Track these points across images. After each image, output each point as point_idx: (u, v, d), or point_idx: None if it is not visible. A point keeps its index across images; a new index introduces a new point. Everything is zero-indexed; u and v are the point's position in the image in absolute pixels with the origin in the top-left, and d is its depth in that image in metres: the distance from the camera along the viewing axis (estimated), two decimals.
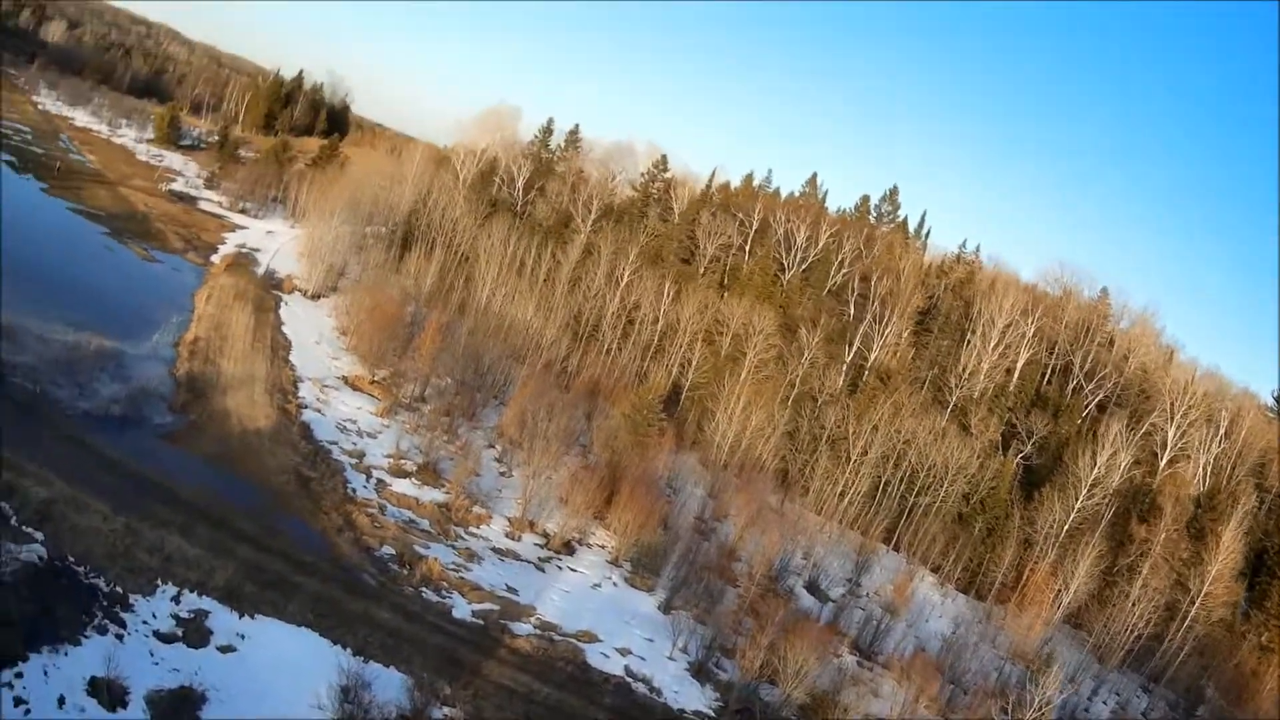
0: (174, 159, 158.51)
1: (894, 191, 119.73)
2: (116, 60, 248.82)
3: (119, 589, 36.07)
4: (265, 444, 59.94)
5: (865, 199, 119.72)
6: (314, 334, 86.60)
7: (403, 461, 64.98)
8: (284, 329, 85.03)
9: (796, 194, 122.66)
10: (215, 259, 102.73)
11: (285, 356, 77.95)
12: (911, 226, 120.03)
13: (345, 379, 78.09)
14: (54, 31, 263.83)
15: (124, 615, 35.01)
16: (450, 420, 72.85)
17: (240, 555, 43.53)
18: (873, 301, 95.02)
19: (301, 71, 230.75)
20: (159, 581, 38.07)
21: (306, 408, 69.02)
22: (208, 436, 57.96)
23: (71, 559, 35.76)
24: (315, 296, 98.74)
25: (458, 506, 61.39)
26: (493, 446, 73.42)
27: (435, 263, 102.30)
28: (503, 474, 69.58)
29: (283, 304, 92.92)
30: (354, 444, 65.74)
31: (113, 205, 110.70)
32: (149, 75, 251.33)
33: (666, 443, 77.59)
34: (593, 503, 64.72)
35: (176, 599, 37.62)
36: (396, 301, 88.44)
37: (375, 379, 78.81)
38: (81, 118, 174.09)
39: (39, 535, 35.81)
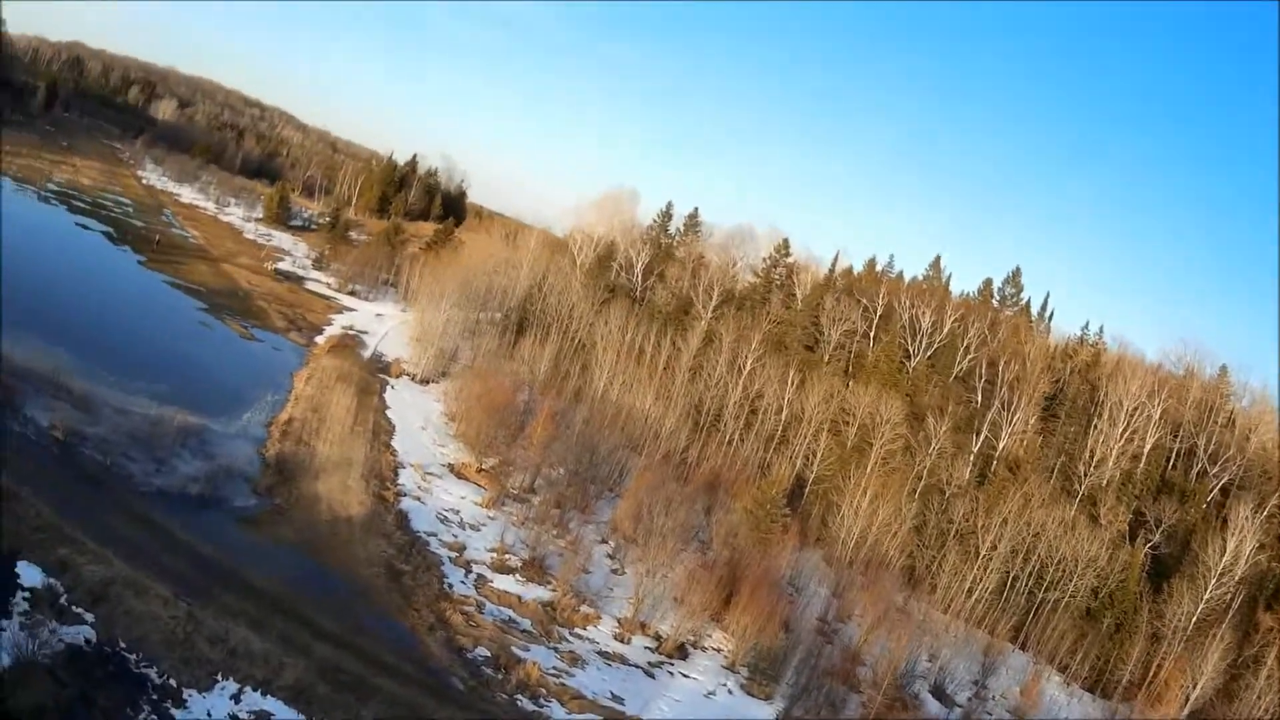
0: (283, 238, 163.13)
1: (1016, 273, 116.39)
2: (228, 140, 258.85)
3: (172, 681, 33.59)
4: (356, 533, 57.30)
5: (988, 282, 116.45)
6: (420, 419, 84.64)
7: (507, 556, 61.72)
8: (388, 413, 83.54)
9: (920, 278, 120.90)
10: (319, 339, 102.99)
11: (387, 441, 75.93)
12: (1034, 307, 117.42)
13: (450, 466, 75.59)
14: (164, 109, 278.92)
15: (174, 711, 32.47)
16: (561, 513, 69.93)
17: (315, 652, 40.50)
18: (1000, 388, 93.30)
19: (415, 156, 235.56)
20: (219, 676, 35.33)
21: (405, 495, 66.49)
22: (292, 522, 55.60)
23: (123, 645, 33.74)
24: (424, 381, 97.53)
25: (564, 605, 57.91)
26: (605, 541, 70.19)
27: (550, 349, 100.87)
28: (614, 571, 66.38)
29: (389, 388, 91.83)
30: (454, 536, 62.83)
31: (214, 281, 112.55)
32: (261, 157, 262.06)
33: (790, 539, 74.77)
34: (710, 603, 61.41)
35: (237, 697, 34.80)
36: (508, 388, 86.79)
37: (482, 467, 76.14)
38: (188, 194, 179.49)
39: (89, 617, 33.86)
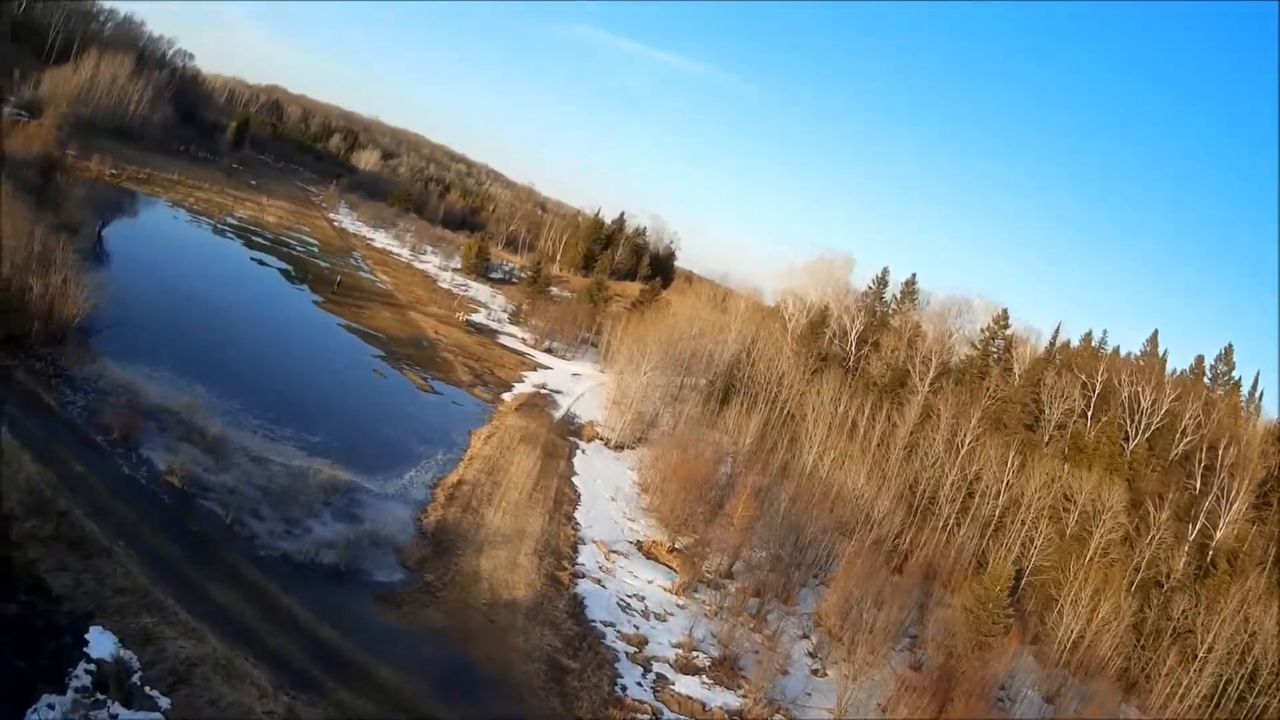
0: (480, 290, 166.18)
1: (1229, 351, 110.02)
2: (431, 192, 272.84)
3: None
4: (518, 620, 51.33)
5: (1200, 359, 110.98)
6: (609, 489, 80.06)
7: (694, 654, 55.59)
8: (574, 480, 79.25)
9: (1135, 354, 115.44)
10: (507, 397, 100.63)
11: (570, 512, 70.98)
12: (1244, 387, 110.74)
13: (639, 544, 70.43)
14: (365, 159, 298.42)
15: None
16: (761, 602, 64.40)
17: None
18: (1219, 473, 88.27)
19: (623, 214, 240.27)
20: None
21: (584, 577, 60.75)
22: (442, 604, 49.83)
23: None
24: (619, 447, 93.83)
25: (755, 716, 51.52)
26: (806, 637, 64.21)
27: (757, 419, 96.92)
28: (815, 672, 60.27)
29: (579, 452, 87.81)
30: (635, 627, 56.75)
31: (397, 328, 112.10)
32: (465, 210, 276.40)
33: (1011, 643, 70.06)
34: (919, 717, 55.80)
35: None
36: (709, 458, 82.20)
37: (675, 547, 70.87)
38: (381, 240, 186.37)
39: (164, 702, 28.98)
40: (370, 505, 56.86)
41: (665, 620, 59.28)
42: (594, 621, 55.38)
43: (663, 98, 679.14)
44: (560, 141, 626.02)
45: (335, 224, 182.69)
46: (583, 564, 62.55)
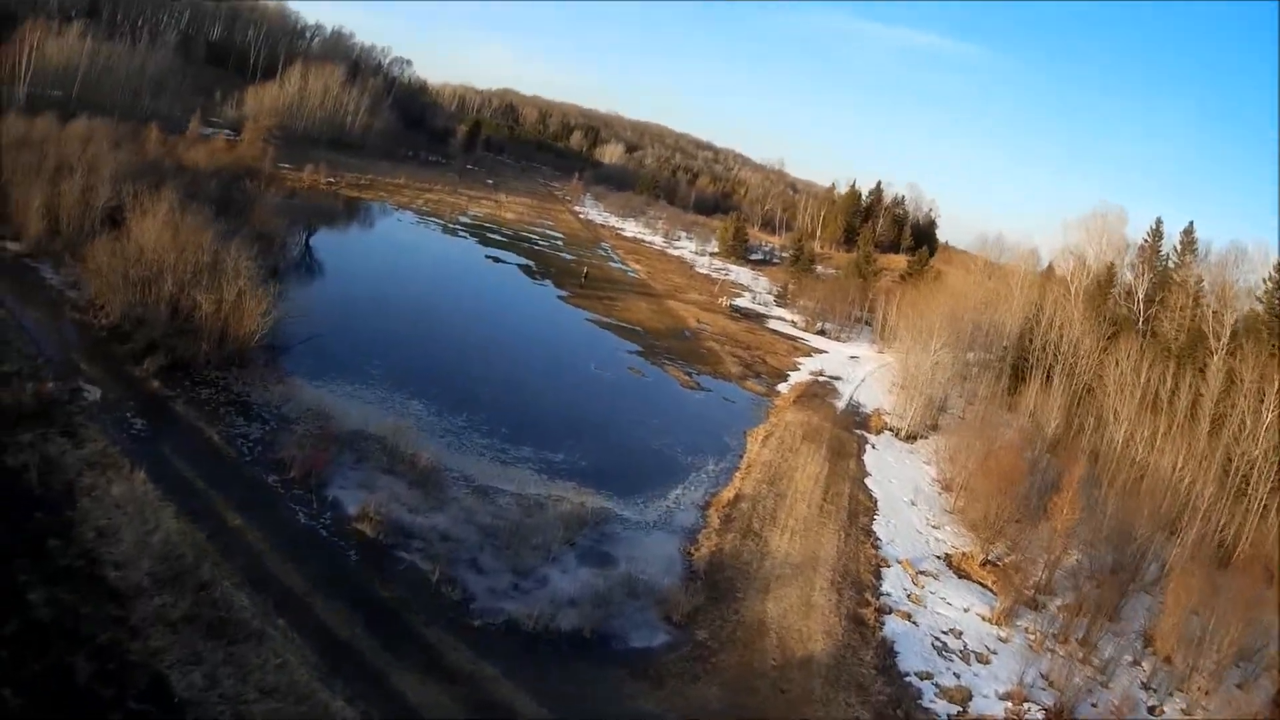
0: (741, 273, 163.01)
1: None
2: (679, 180, 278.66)
3: None
4: (815, 687, 39.06)
5: None
6: (907, 490, 68.46)
7: (1025, 706, 42.60)
8: (867, 482, 67.81)
9: None
10: (783, 388, 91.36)
11: (867, 526, 59.11)
12: None
13: (948, 559, 58.10)
14: (609, 153, 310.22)
15: None
16: (1091, 624, 51.26)
17: None
18: None
19: (880, 183, 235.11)
20: None
21: (891, 612, 48.34)
22: (718, 673, 37.84)
23: None
24: (910, 438, 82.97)
25: None
26: (1138, 663, 50.93)
27: (1060, 397, 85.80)
28: (1151, 710, 46.87)
29: (868, 447, 76.86)
30: (956, 676, 44.09)
31: (654, 320, 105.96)
32: (716, 195, 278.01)
33: None
34: None
35: None
36: (1015, 447, 69.45)
37: (988, 559, 58.50)
38: (631, 229, 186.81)
39: None
40: (626, 539, 46.42)
41: (988, 662, 46.48)
42: (908, 676, 42.87)
43: (902, 73, 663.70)
44: (801, 123, 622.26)
45: (581, 216, 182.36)
46: (888, 594, 50.31)
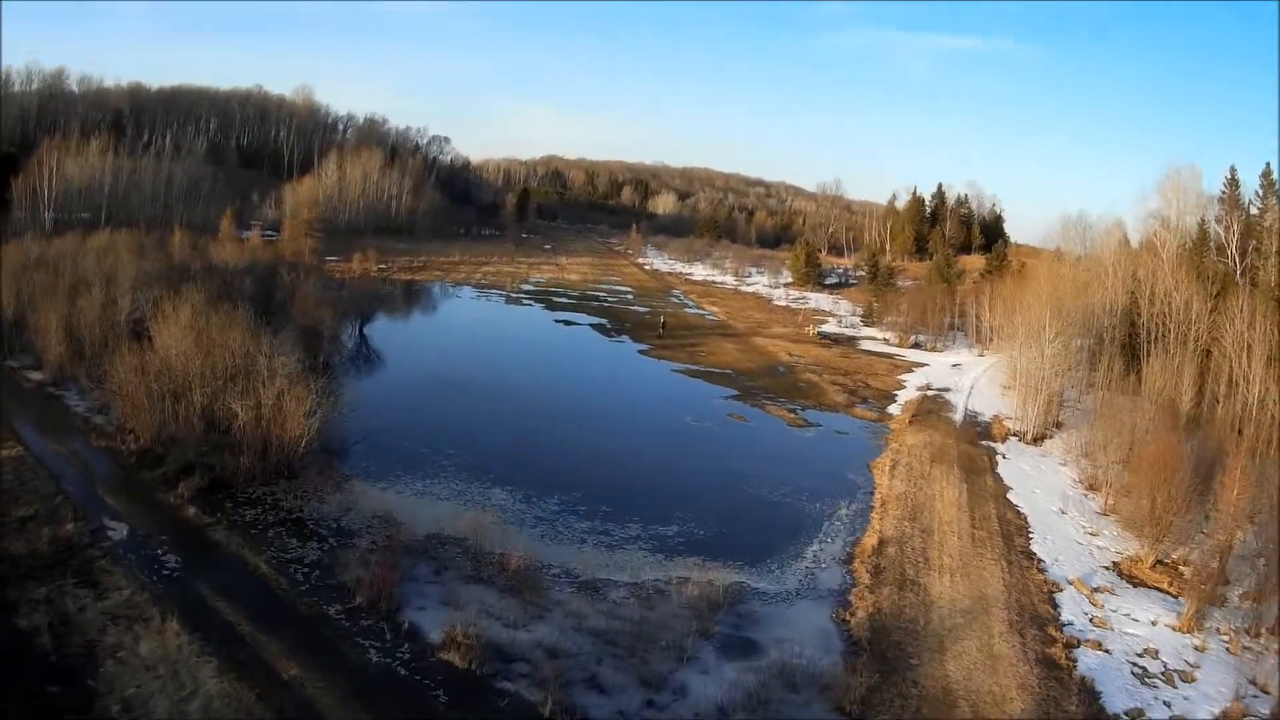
0: (819, 299, 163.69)
1: None
2: (737, 219, 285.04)
3: None
4: None
5: None
6: (1054, 498, 61.87)
7: None
8: (1010, 497, 61.35)
9: None
10: (895, 409, 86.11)
11: (1025, 547, 52.33)
12: None
13: (1117, 568, 51.20)
14: (662, 204, 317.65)
15: None
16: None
17: None
18: None
19: (941, 186, 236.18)
20: None
21: (1079, 644, 41.20)
22: None
23: None
24: (1036, 440, 77.07)
25: None
26: None
27: (1188, 369, 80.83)
28: None
29: (999, 458, 70.66)
30: (1167, 707, 36.85)
31: (743, 360, 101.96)
32: (775, 229, 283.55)
33: None
34: None
35: None
36: (1162, 430, 62.19)
37: (1159, 560, 51.67)
38: (699, 272, 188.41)
39: None
40: (768, 617, 39.47)
41: (1193, 680, 39.23)
42: (1119, 716, 36.38)
43: (937, 77, 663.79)
44: (848, 144, 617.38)
45: (646, 267, 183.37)
46: (1070, 623, 43.23)
